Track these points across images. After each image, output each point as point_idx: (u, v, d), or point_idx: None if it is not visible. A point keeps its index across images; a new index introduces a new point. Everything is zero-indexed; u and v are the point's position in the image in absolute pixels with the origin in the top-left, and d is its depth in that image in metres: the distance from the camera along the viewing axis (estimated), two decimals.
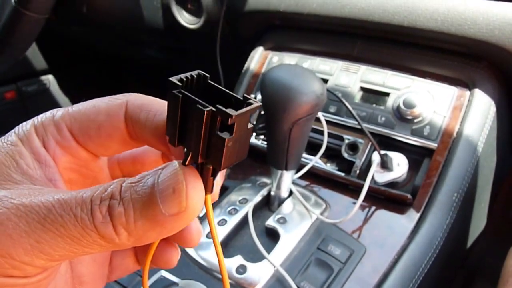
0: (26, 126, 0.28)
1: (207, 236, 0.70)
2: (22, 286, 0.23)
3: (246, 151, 0.24)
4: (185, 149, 0.24)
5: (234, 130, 0.22)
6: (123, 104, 0.28)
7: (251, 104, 0.23)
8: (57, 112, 0.28)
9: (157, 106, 0.27)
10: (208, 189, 0.25)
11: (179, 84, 0.23)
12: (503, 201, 1.07)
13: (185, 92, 0.22)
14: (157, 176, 0.24)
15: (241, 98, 0.23)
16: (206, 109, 0.22)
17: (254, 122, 0.23)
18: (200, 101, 0.22)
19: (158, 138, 0.27)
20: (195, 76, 0.24)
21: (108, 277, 0.33)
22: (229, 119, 0.21)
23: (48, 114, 0.28)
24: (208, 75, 0.24)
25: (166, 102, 0.27)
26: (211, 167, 0.24)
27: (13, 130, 0.28)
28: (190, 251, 0.69)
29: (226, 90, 0.24)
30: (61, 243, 0.22)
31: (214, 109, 0.22)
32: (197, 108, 0.22)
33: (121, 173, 0.32)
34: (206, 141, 0.22)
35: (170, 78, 0.23)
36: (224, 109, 0.21)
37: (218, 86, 0.24)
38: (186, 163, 0.24)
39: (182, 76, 0.23)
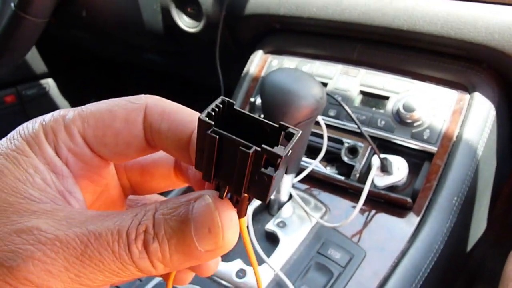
0: (33, 128, 0.26)
1: None
2: None
3: (284, 173, 0.24)
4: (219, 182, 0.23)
5: (279, 167, 0.21)
6: (141, 109, 0.26)
7: (291, 133, 0.22)
8: (66, 115, 0.26)
9: (180, 116, 0.26)
10: (242, 213, 0.25)
11: (212, 122, 0.21)
12: (503, 205, 1.06)
13: (222, 132, 0.21)
14: (190, 209, 0.23)
15: (277, 126, 0.22)
16: (251, 151, 0.21)
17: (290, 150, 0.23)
18: (242, 141, 0.21)
19: (181, 152, 0.26)
20: (221, 106, 0.23)
21: None
22: (279, 159, 0.21)
23: (56, 115, 0.26)
24: (234, 102, 0.23)
25: (188, 110, 0.26)
26: (248, 197, 0.24)
27: (17, 132, 0.26)
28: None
29: (257, 117, 0.23)
30: (100, 276, 0.22)
31: (258, 149, 0.21)
32: (240, 150, 0.21)
33: (127, 182, 0.32)
34: (249, 177, 0.22)
35: (201, 117, 0.21)
36: (271, 149, 0.20)
37: (247, 113, 0.23)
38: (224, 195, 0.23)
39: (209, 109, 0.22)
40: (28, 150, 0.25)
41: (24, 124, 0.26)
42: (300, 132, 0.22)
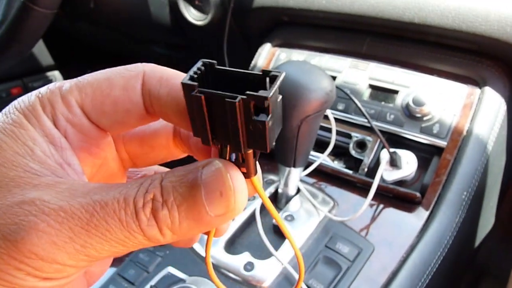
0: (29, 101, 0.25)
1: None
2: (61, 286, 0.23)
3: (281, 121, 0.23)
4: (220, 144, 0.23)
5: (270, 109, 0.21)
6: (139, 76, 0.26)
7: (275, 76, 0.22)
8: (63, 86, 0.26)
9: (178, 80, 0.26)
10: (251, 171, 0.24)
11: (195, 83, 0.21)
12: (510, 201, 1.06)
13: (206, 90, 0.21)
14: (199, 175, 0.23)
15: (261, 73, 0.22)
16: (237, 100, 0.21)
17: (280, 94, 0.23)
18: (226, 93, 0.21)
19: (181, 117, 0.25)
20: (202, 67, 0.23)
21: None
22: (265, 101, 0.20)
23: (52, 87, 0.26)
24: (215, 61, 0.23)
25: (184, 75, 0.26)
26: (252, 152, 0.24)
27: (12, 106, 0.25)
28: (198, 248, 0.69)
29: (241, 70, 0.23)
30: (106, 246, 0.22)
31: (244, 97, 0.21)
32: (227, 102, 0.21)
33: (126, 155, 0.31)
34: (244, 130, 0.22)
35: (182, 81, 0.22)
36: (256, 93, 0.21)
37: (230, 68, 0.23)
38: (227, 157, 0.23)
39: (191, 73, 0.22)
40: (25, 122, 0.25)
41: (20, 98, 0.26)
42: (284, 73, 0.22)
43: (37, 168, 0.23)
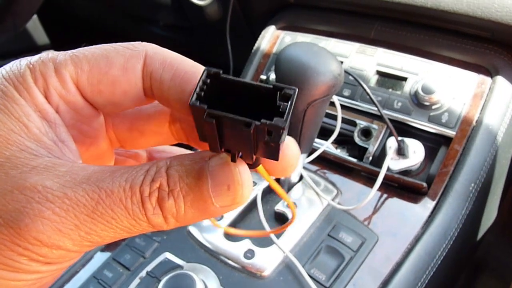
0: (19, 71, 0.23)
1: (215, 218, 0.68)
2: (62, 269, 0.24)
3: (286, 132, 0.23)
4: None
5: (283, 135, 0.21)
6: (141, 56, 0.25)
7: (287, 94, 0.21)
8: (56, 58, 0.24)
9: (183, 66, 0.24)
10: (257, 164, 0.25)
11: (204, 107, 0.20)
12: None
13: (218, 113, 0.20)
14: (206, 166, 0.23)
15: (271, 87, 0.21)
16: (251, 128, 0.20)
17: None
18: (240, 118, 0.20)
19: (183, 103, 0.24)
20: (208, 80, 0.21)
21: None
22: (281, 130, 0.20)
23: (45, 58, 0.24)
24: (220, 70, 0.21)
25: (191, 61, 0.25)
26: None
27: (0, 76, 0.23)
28: (196, 233, 0.67)
29: (248, 81, 0.22)
30: (111, 233, 0.22)
31: (258, 123, 0.20)
32: (241, 128, 0.20)
33: (115, 137, 0.30)
34: (256, 147, 0.22)
35: (191, 103, 0.20)
36: (271, 122, 0.20)
37: (237, 78, 0.22)
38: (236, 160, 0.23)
39: (197, 90, 0.21)
40: (17, 96, 0.23)
41: (7, 66, 0.24)
42: (297, 90, 0.21)
43: (33, 147, 0.22)
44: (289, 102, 0.21)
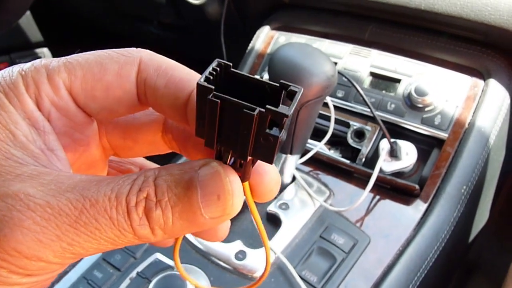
0: (11, 78, 0.23)
1: None
2: (44, 281, 0.22)
3: (285, 134, 0.23)
4: (222, 147, 0.23)
5: (284, 125, 0.21)
6: (135, 63, 0.24)
7: (292, 91, 0.21)
8: (49, 64, 0.24)
9: (178, 73, 0.24)
10: (247, 177, 0.24)
11: (212, 87, 0.20)
12: (504, 197, 1.05)
13: (224, 96, 0.20)
14: (196, 176, 0.22)
15: (278, 85, 0.22)
16: (255, 113, 0.20)
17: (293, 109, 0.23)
18: (245, 103, 0.20)
19: (177, 111, 0.24)
20: (218, 68, 0.22)
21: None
22: (284, 118, 0.20)
23: (38, 65, 0.24)
24: (230, 64, 0.22)
25: (186, 68, 0.25)
26: (251, 160, 0.23)
27: None
28: (188, 234, 0.67)
29: (256, 77, 0.22)
30: (95, 244, 0.21)
31: (262, 110, 0.20)
32: (244, 112, 0.20)
33: (109, 145, 0.30)
34: (254, 140, 0.21)
35: (199, 82, 0.20)
36: (276, 109, 0.20)
37: (245, 73, 0.22)
38: (227, 161, 0.23)
39: (207, 73, 0.21)
40: (6, 103, 0.22)
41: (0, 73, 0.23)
42: (302, 89, 0.21)
43: (19, 155, 0.22)
44: (295, 97, 0.21)
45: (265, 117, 0.20)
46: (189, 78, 0.25)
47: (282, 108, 0.20)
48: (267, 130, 0.21)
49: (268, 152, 0.22)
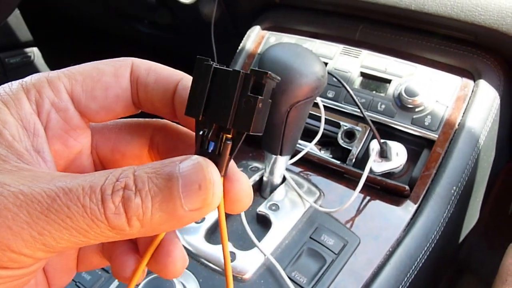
0: (11, 88, 0.25)
1: (196, 222, 0.67)
2: (18, 278, 0.22)
3: (264, 125, 0.25)
4: (204, 122, 0.25)
5: (263, 91, 0.24)
6: (128, 65, 0.27)
7: (267, 73, 0.24)
8: (49, 74, 0.26)
9: (165, 71, 0.27)
10: (223, 169, 0.25)
11: (209, 58, 0.24)
12: (495, 197, 1.05)
13: (216, 64, 0.24)
14: (177, 168, 0.22)
15: (248, 72, 0.24)
16: (241, 72, 0.23)
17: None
18: (233, 69, 0.24)
19: (166, 103, 0.27)
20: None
21: (74, 270, 0.31)
22: (264, 76, 0.23)
23: (38, 75, 0.26)
24: (209, 58, 0.25)
25: (172, 69, 0.28)
26: (231, 145, 0.25)
27: None
28: (179, 236, 0.66)
29: (226, 68, 0.25)
30: (66, 235, 0.21)
31: (247, 72, 0.23)
32: (232, 72, 0.24)
33: (97, 158, 0.31)
34: (236, 105, 0.24)
35: (198, 56, 0.25)
36: (258, 69, 0.23)
37: (224, 67, 0.25)
38: (206, 146, 0.25)
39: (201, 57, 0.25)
40: (3, 108, 0.24)
41: (4, 85, 0.25)
42: (269, 72, 0.24)
43: (3, 152, 0.23)
44: (267, 75, 0.24)
45: (248, 78, 0.23)
46: (175, 73, 0.27)
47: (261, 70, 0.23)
48: (249, 93, 0.23)
49: (248, 117, 0.23)
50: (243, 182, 0.26)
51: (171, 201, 0.22)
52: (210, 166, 0.23)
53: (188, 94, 0.25)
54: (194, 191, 0.22)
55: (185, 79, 0.27)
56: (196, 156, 0.24)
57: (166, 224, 0.22)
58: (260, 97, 0.23)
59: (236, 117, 0.24)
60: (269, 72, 0.23)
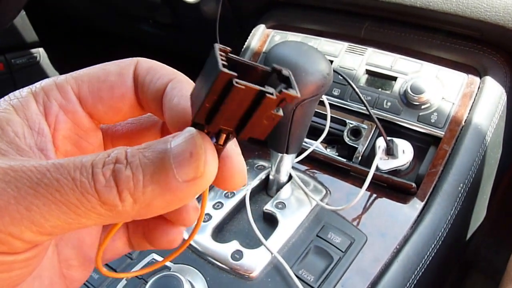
0: (21, 93, 0.25)
1: (203, 221, 0.67)
2: (9, 265, 0.21)
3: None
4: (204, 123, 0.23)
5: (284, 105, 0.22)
6: (133, 65, 0.27)
7: (286, 75, 0.22)
8: (58, 77, 0.26)
9: (164, 71, 0.27)
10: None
11: (235, 74, 0.20)
12: (501, 194, 1.05)
13: (247, 83, 0.21)
14: (168, 142, 0.22)
15: (270, 70, 0.23)
16: (274, 96, 0.21)
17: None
18: (263, 89, 0.21)
19: (155, 102, 0.26)
20: (221, 53, 0.22)
21: (92, 262, 0.30)
22: (295, 99, 0.21)
23: (46, 80, 0.26)
24: (230, 49, 0.23)
25: (171, 68, 0.27)
26: (225, 135, 0.23)
27: (4, 98, 0.25)
28: (184, 234, 0.66)
29: (251, 62, 0.23)
30: (54, 210, 0.20)
31: (278, 94, 0.21)
32: (265, 96, 0.21)
33: None
34: (256, 120, 0.22)
35: (221, 69, 0.20)
36: (289, 93, 0.21)
37: (240, 58, 0.23)
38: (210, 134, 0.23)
39: (221, 61, 0.21)
40: (8, 107, 0.24)
41: (14, 92, 0.26)
42: (291, 72, 0.23)
43: (3, 147, 0.23)
44: (290, 80, 0.22)
45: (281, 100, 0.21)
46: (168, 73, 0.27)
47: (292, 91, 0.21)
48: (273, 111, 0.22)
49: (265, 129, 0.22)
50: (235, 159, 0.25)
51: (163, 171, 0.21)
52: (201, 134, 0.22)
53: (176, 95, 0.24)
54: (185, 159, 0.21)
55: (176, 79, 0.26)
56: (188, 128, 0.23)
57: (160, 199, 0.21)
58: (281, 114, 0.22)
59: (251, 128, 0.22)
60: (299, 94, 0.22)
